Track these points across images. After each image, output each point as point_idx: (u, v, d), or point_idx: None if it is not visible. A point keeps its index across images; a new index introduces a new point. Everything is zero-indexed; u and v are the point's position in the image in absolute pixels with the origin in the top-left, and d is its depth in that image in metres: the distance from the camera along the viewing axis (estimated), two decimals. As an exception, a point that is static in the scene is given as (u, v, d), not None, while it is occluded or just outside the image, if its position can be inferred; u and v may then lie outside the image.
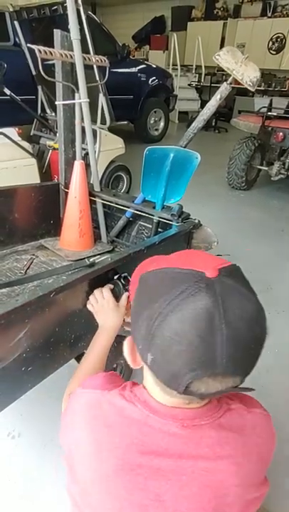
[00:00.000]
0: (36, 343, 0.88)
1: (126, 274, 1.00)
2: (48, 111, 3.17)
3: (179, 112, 7.27)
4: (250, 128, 3.83)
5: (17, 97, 2.66)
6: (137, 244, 1.36)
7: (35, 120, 3.10)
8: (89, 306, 0.94)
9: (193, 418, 0.50)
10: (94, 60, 1.72)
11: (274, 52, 7.68)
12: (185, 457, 0.48)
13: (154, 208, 1.59)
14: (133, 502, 0.48)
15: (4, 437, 1.31)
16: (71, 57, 1.51)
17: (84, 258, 1.60)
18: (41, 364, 0.94)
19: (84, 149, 1.77)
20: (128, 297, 0.94)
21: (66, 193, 1.78)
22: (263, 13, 7.82)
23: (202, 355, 0.41)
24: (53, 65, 1.61)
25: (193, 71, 7.81)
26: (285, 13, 7.59)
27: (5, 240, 1.70)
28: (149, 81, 5.14)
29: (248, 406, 0.56)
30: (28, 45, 2.20)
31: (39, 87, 3.09)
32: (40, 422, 1.35)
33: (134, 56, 8.82)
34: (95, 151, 2.42)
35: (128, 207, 1.71)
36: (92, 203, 1.80)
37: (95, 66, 2.22)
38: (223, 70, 1.29)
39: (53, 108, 2.99)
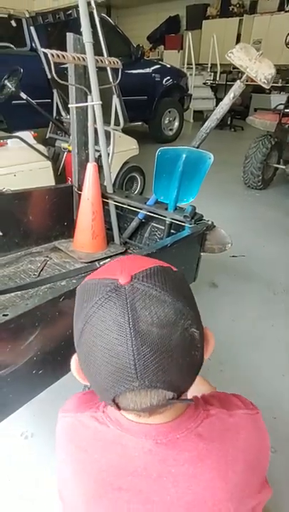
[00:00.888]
0: (47, 347, 0.89)
1: None
2: (63, 114, 3.22)
3: (194, 111, 7.21)
4: (266, 126, 3.74)
5: (33, 101, 2.71)
6: (148, 246, 1.35)
7: (51, 123, 3.16)
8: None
9: (167, 433, 0.46)
10: (106, 62, 1.72)
11: (292, 48, 7.49)
12: (165, 475, 0.45)
13: (166, 209, 1.58)
14: None
15: (18, 437, 1.33)
16: (83, 60, 1.52)
17: (95, 260, 1.60)
18: (52, 367, 0.95)
19: (97, 151, 1.78)
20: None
21: (79, 195, 1.79)
22: (281, 8, 7.64)
23: (116, 370, 0.39)
24: (67, 68, 1.63)
25: (209, 69, 7.73)
26: (303, 7, 7.39)
27: (19, 241, 1.73)
28: (164, 81, 5.12)
29: (230, 408, 0.51)
30: (42, 49, 2.23)
31: (54, 91, 3.14)
32: (53, 423, 1.36)
33: (148, 57, 8.83)
34: (109, 153, 2.44)
35: (140, 208, 1.71)
36: (105, 204, 1.81)
37: (108, 68, 2.23)
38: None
39: (68, 111, 3.03)
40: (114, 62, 1.77)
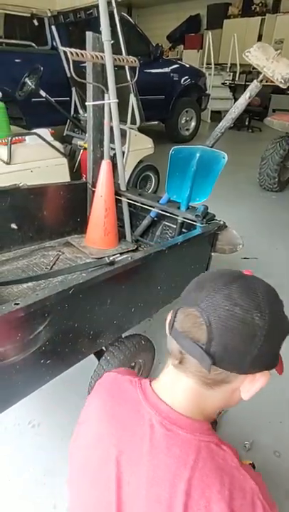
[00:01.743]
0: (55, 338, 0.91)
1: None
2: (80, 112, 3.26)
3: (212, 112, 7.15)
4: (284, 127, 3.67)
5: (52, 99, 2.76)
6: (158, 244, 1.36)
7: (68, 121, 3.20)
8: None
9: (174, 421, 0.52)
10: (124, 61, 1.73)
11: (315, 48, 7.31)
12: (154, 455, 0.50)
13: (178, 208, 1.58)
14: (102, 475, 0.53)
15: (25, 425, 1.37)
16: (102, 58, 1.54)
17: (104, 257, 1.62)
18: (60, 358, 0.97)
19: (112, 149, 1.80)
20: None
21: (93, 192, 1.81)
22: (305, 7, 7.48)
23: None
24: (86, 66, 1.65)
25: (228, 69, 7.64)
26: None
27: (33, 236, 1.77)
28: (182, 80, 5.10)
29: (234, 487, 0.48)
30: (61, 47, 2.27)
31: (73, 89, 3.18)
32: (60, 414, 1.39)
33: (167, 56, 8.81)
34: (124, 151, 2.45)
35: (153, 206, 1.71)
36: (118, 202, 1.82)
37: (126, 66, 2.25)
38: (258, 68, 1.24)
39: (86, 109, 3.06)
40: (132, 61, 1.79)
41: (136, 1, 9.36)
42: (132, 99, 2.57)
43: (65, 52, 1.58)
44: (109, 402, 0.60)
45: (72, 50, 1.45)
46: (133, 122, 2.74)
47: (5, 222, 1.64)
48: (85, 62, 1.61)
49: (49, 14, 3.24)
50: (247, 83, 6.95)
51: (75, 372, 1.11)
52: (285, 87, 1.12)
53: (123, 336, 1.28)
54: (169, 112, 5.11)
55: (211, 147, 1.46)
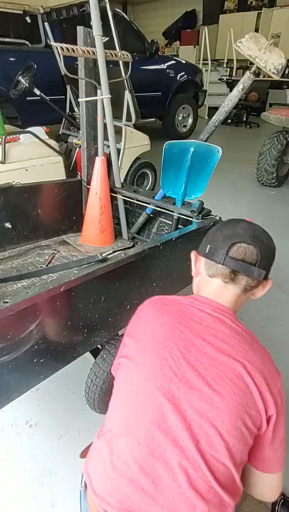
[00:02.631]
0: (48, 336, 0.90)
1: None
2: (75, 109, 3.24)
3: (209, 108, 7.11)
4: (281, 121, 3.65)
5: (46, 97, 2.73)
6: (153, 240, 1.34)
7: (64, 119, 3.18)
8: None
9: (220, 312, 0.72)
10: (117, 56, 1.71)
11: (312, 42, 7.27)
12: (210, 330, 0.69)
13: (174, 204, 1.56)
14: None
15: (23, 425, 1.36)
16: (93, 53, 1.52)
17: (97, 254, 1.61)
18: (53, 356, 0.96)
19: (107, 146, 1.78)
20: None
21: (88, 190, 1.80)
22: (302, 0, 7.43)
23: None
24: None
25: (225, 65, 7.60)
26: None
27: (29, 234, 1.75)
28: (178, 77, 5.07)
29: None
30: (52, 43, 2.24)
31: (68, 87, 3.15)
32: (57, 413, 1.38)
33: (163, 53, 8.76)
34: (120, 148, 2.43)
35: (148, 203, 1.70)
36: (114, 199, 1.81)
37: (120, 62, 2.23)
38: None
39: (80, 106, 3.04)
40: (124, 56, 1.76)
41: (131, -3, 9.32)
42: (127, 96, 2.55)
43: (57, 48, 1.56)
44: (164, 306, 0.75)
45: (63, 45, 1.43)
46: (128, 119, 2.72)
47: (-1, 221, 1.62)
48: (78, 59, 1.59)
49: (42, 11, 3.21)
50: (244, 78, 6.90)
51: (71, 372, 1.10)
52: (278, 78, 1.10)
53: (120, 333, 1.26)
54: (165, 108, 5.07)
55: (205, 141, 1.44)
